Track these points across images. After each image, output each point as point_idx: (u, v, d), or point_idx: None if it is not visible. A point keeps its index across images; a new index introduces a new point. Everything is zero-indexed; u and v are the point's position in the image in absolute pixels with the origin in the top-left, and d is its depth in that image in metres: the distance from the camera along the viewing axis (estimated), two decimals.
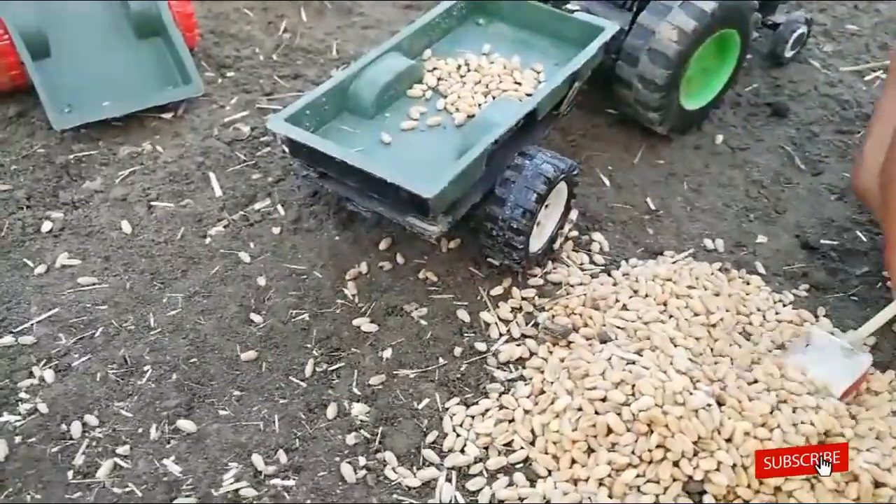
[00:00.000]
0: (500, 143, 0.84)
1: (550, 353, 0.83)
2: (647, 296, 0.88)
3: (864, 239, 1.01)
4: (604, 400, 0.74)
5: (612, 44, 1.00)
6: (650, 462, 0.71)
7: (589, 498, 0.71)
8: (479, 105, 0.94)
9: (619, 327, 0.83)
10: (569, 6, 1.08)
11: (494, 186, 0.86)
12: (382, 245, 0.95)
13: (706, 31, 1.02)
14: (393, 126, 0.92)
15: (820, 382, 0.76)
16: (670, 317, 0.85)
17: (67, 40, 1.11)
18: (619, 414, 0.72)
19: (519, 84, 0.96)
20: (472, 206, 0.88)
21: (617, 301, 0.87)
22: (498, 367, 0.83)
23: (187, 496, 0.72)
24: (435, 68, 1.00)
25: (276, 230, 0.97)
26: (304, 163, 0.88)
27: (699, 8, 1.00)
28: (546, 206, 0.88)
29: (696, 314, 0.86)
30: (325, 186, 0.88)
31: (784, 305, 0.91)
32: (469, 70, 0.99)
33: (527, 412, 0.78)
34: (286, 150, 0.99)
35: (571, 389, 0.76)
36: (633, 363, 0.76)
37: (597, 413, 0.73)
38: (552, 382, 0.79)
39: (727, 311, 0.87)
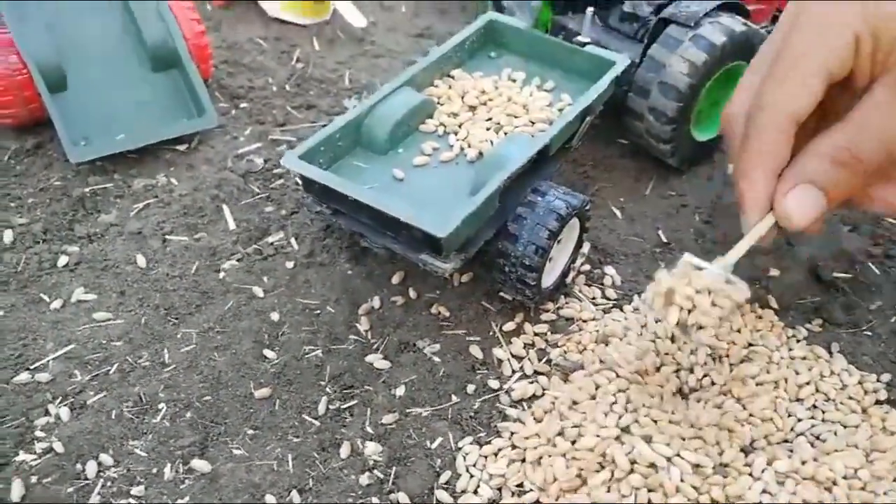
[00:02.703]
0: (512, 179, 0.85)
1: (559, 394, 0.82)
2: (655, 333, 0.87)
3: (878, 272, 1.01)
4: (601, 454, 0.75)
5: (623, 76, 1.01)
6: None
7: None
8: (492, 141, 0.94)
9: (619, 365, 0.83)
10: (579, 38, 1.08)
11: (507, 222, 0.86)
12: (395, 279, 0.96)
13: (717, 64, 1.02)
14: (406, 162, 0.93)
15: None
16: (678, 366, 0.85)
17: (85, 73, 1.13)
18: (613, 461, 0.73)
19: (531, 119, 0.97)
20: (485, 242, 0.88)
21: (626, 337, 0.87)
22: (511, 405, 0.83)
23: None
24: (448, 101, 1.00)
25: (289, 264, 0.98)
26: (317, 199, 0.89)
27: (710, 41, 1.00)
28: (558, 241, 0.89)
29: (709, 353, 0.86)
30: (338, 222, 0.89)
31: (797, 341, 0.90)
32: (481, 104, 1.00)
33: (535, 450, 0.77)
34: (299, 182, 1.00)
35: (570, 435, 0.77)
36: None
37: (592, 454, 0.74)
38: (558, 421, 0.79)
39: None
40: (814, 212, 0.65)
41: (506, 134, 0.95)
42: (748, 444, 0.78)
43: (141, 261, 0.97)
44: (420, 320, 0.92)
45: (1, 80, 1.07)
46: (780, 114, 0.64)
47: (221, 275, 0.96)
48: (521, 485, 0.76)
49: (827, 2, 0.64)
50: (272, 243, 1.01)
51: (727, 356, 0.87)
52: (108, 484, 0.75)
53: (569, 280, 0.96)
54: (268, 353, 0.87)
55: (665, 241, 1.04)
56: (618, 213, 1.07)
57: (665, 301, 0.68)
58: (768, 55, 0.68)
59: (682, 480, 0.72)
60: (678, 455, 0.74)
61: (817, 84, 0.63)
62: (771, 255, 1.03)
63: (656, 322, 0.89)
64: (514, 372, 0.87)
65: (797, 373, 0.85)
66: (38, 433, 0.79)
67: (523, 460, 0.77)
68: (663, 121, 1.04)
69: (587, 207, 0.90)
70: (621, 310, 0.93)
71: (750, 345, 0.88)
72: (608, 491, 0.72)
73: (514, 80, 1.03)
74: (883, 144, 0.63)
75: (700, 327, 0.67)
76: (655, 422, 0.78)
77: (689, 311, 0.68)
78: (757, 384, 0.83)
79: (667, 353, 0.86)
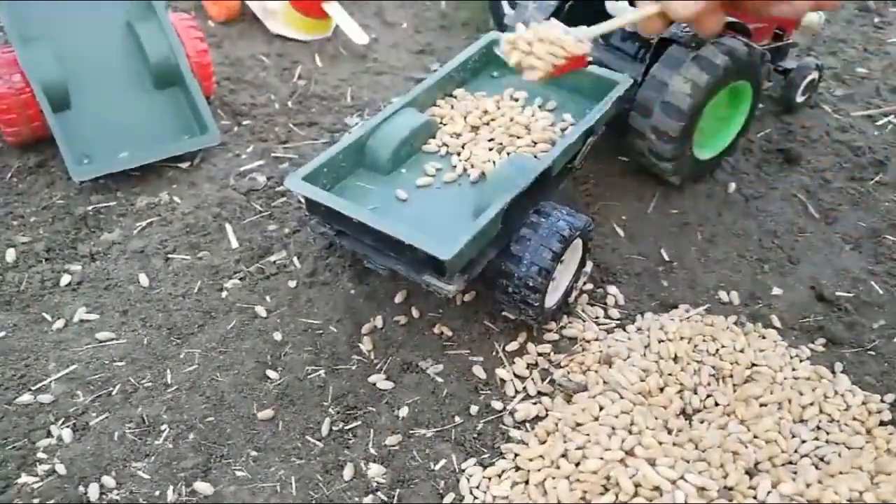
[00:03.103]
0: (514, 200, 0.85)
1: (562, 415, 0.82)
2: (659, 354, 0.87)
3: (880, 291, 1.01)
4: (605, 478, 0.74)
5: (625, 94, 1.01)
6: None
7: None
8: (494, 162, 0.94)
9: (623, 387, 0.83)
10: None
11: (510, 243, 0.86)
12: (398, 298, 0.96)
13: (719, 84, 1.03)
14: (409, 182, 0.93)
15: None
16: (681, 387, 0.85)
17: (88, 92, 1.13)
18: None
19: (534, 140, 0.97)
20: (488, 262, 0.88)
21: (629, 358, 0.87)
22: (514, 427, 0.83)
23: None
24: (450, 121, 1.01)
25: (291, 283, 0.98)
26: (320, 220, 0.89)
27: (711, 61, 1.01)
28: (562, 261, 0.89)
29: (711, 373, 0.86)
30: (341, 243, 0.89)
31: (801, 361, 0.90)
32: (483, 124, 1.00)
33: (539, 472, 0.77)
34: (302, 202, 1.00)
35: (574, 457, 0.76)
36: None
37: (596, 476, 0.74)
38: (562, 443, 0.78)
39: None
40: (698, 4, 0.64)
41: (508, 154, 0.95)
42: (752, 467, 0.77)
43: (143, 280, 0.97)
44: (423, 340, 0.91)
45: (4, 99, 1.08)
46: None
47: (224, 294, 0.96)
48: None
49: None
50: (275, 262, 1.01)
51: (730, 376, 0.87)
52: None
53: (572, 299, 0.96)
54: (271, 373, 0.87)
55: (667, 259, 1.04)
56: (620, 231, 1.07)
57: (510, 48, 0.75)
58: None
59: None
60: (682, 478, 0.74)
61: None
62: (773, 273, 1.03)
63: (659, 342, 0.89)
64: (517, 392, 0.86)
65: (801, 393, 0.85)
66: (41, 455, 0.79)
67: (527, 482, 0.77)
68: (665, 140, 1.04)
69: (590, 228, 0.90)
70: (624, 329, 0.93)
71: (753, 365, 0.88)
72: None
73: (516, 100, 1.03)
74: None
75: (531, 68, 0.74)
76: (660, 444, 0.77)
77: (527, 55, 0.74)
78: (760, 405, 0.83)
79: (670, 374, 0.86)
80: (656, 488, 0.73)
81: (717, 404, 0.84)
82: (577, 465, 0.76)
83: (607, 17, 1.11)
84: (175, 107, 1.18)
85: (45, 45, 1.10)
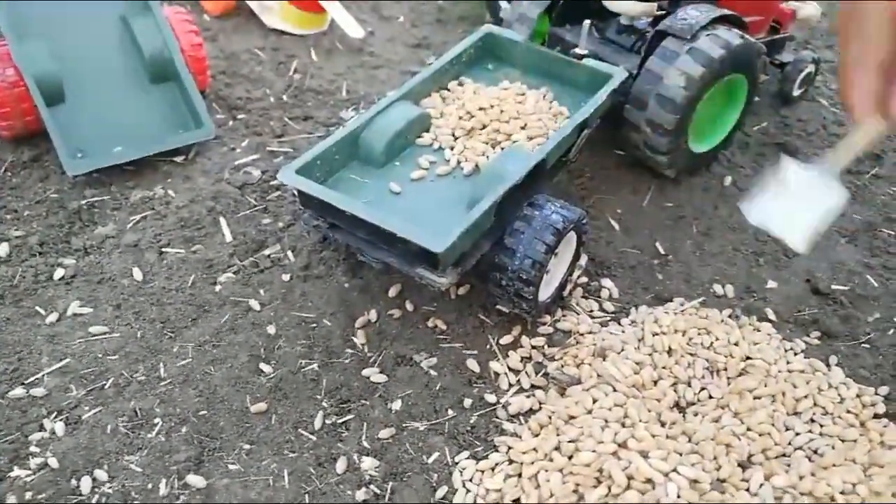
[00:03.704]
0: (508, 193, 0.84)
1: (555, 408, 0.82)
2: (653, 347, 0.87)
3: (875, 284, 1.01)
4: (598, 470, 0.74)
5: (620, 87, 1.01)
6: None
7: None
8: (488, 155, 0.94)
9: (617, 379, 0.83)
10: (577, 51, 1.08)
11: (504, 236, 0.86)
12: (392, 292, 0.95)
13: (714, 77, 1.02)
14: (402, 175, 0.93)
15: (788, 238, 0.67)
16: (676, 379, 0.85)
17: (82, 85, 1.13)
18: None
19: (528, 133, 0.97)
20: (482, 255, 0.88)
21: (623, 351, 0.87)
22: (508, 420, 0.83)
23: None
24: (443, 114, 1.00)
25: (285, 277, 0.97)
26: (314, 213, 0.88)
27: (707, 54, 1.01)
28: (555, 254, 0.89)
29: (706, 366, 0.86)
30: (335, 236, 0.89)
31: (795, 354, 0.90)
32: (478, 117, 1.00)
33: (532, 465, 0.77)
34: (296, 196, 1.00)
35: (567, 450, 0.76)
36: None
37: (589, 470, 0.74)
38: (555, 436, 0.78)
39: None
40: None
41: (502, 147, 0.95)
42: (745, 459, 0.77)
43: (137, 274, 0.97)
44: (416, 333, 0.91)
45: None
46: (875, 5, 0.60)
47: (218, 288, 0.96)
48: (517, 500, 0.75)
49: None
50: (269, 256, 1.00)
51: (725, 369, 0.87)
52: (103, 500, 0.75)
53: (566, 293, 0.96)
54: (264, 366, 0.87)
55: (662, 252, 1.04)
56: (615, 224, 1.07)
57: None
58: None
59: (679, 496, 0.71)
60: (675, 470, 0.73)
61: None
62: (768, 266, 1.03)
63: (653, 335, 0.89)
64: (510, 386, 0.86)
65: (795, 386, 0.85)
66: (33, 448, 0.79)
67: (520, 475, 0.77)
68: (660, 133, 1.04)
69: (584, 221, 0.90)
70: (619, 323, 0.93)
71: (747, 358, 0.88)
72: None
73: (511, 93, 1.03)
74: None
75: None
76: (653, 436, 0.77)
77: None
78: (755, 398, 0.83)
79: (664, 367, 0.85)
80: (649, 480, 0.72)
81: (710, 397, 0.84)
82: (570, 457, 0.76)
83: (603, 13, 1.12)
84: (170, 101, 1.18)
85: (39, 39, 1.10)
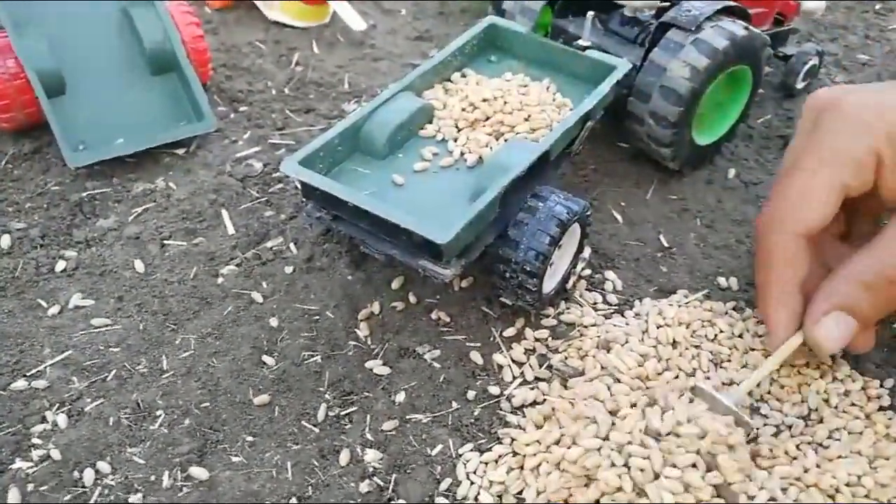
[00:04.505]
0: (512, 184, 0.84)
1: (559, 400, 0.82)
2: (657, 339, 0.87)
3: None
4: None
5: (624, 79, 1.00)
6: None
7: None
8: (491, 146, 0.94)
9: (621, 372, 0.82)
10: (580, 42, 1.08)
11: (507, 228, 0.85)
12: (395, 284, 0.95)
13: (718, 69, 1.02)
14: (405, 167, 0.92)
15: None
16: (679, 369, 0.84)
17: (83, 77, 1.12)
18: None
19: (531, 125, 0.96)
20: (485, 247, 0.87)
21: (627, 343, 0.87)
22: (511, 412, 0.83)
23: None
24: (446, 106, 1.00)
25: (288, 269, 0.97)
26: (316, 205, 0.88)
27: (711, 45, 1.00)
28: (559, 246, 0.88)
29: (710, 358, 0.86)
30: (338, 228, 0.88)
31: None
32: (481, 108, 0.99)
33: (534, 457, 0.77)
34: (298, 187, 0.99)
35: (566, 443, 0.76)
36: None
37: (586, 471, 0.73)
38: (559, 428, 0.78)
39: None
40: (845, 338, 0.65)
41: (506, 139, 0.95)
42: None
43: (139, 266, 0.97)
44: (420, 326, 0.91)
45: None
46: (789, 231, 0.63)
47: (220, 280, 0.96)
48: (521, 492, 0.75)
49: (844, 114, 0.62)
50: (271, 248, 1.00)
51: (729, 361, 0.86)
52: (106, 492, 0.75)
53: (569, 285, 0.95)
54: (267, 359, 0.87)
55: (666, 245, 1.03)
56: (619, 217, 1.07)
57: None
58: (787, 163, 0.67)
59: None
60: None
61: (829, 199, 0.62)
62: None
63: (658, 327, 0.88)
64: (514, 378, 0.86)
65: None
66: (35, 440, 0.78)
67: (522, 468, 0.77)
68: (664, 125, 1.03)
69: (588, 213, 0.90)
70: (622, 315, 0.93)
71: (752, 350, 0.88)
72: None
73: (514, 85, 1.02)
74: None
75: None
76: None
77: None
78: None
79: (668, 359, 0.85)
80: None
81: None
82: (570, 449, 0.75)
83: (606, 4, 1.11)
84: (171, 93, 1.18)
85: (40, 31, 1.10)
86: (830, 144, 0.62)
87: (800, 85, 1.29)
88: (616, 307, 0.94)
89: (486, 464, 0.78)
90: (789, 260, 0.64)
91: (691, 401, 0.76)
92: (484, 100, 0.99)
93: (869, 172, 0.61)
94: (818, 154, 0.62)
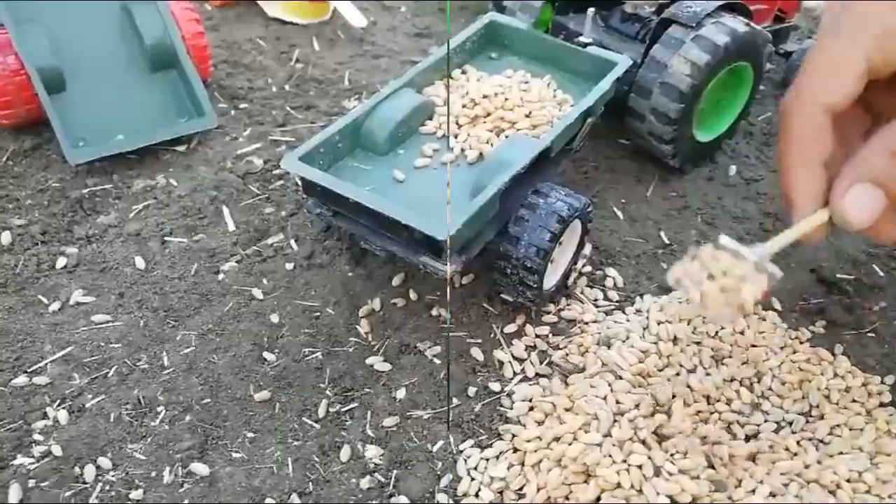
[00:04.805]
0: (513, 181, 0.84)
1: (558, 397, 0.82)
2: (658, 335, 0.87)
3: (881, 273, 1.00)
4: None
5: (625, 76, 1.00)
6: None
7: None
8: (492, 143, 0.93)
9: (622, 368, 0.82)
10: (581, 39, 1.08)
11: (508, 224, 0.85)
12: (395, 281, 0.95)
13: (719, 65, 1.02)
14: (406, 163, 0.92)
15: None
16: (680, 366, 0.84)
17: (83, 74, 1.12)
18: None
19: (532, 121, 0.96)
20: (486, 243, 0.87)
21: (627, 339, 0.87)
22: (512, 408, 0.83)
23: None
24: (446, 103, 1.00)
25: (289, 266, 0.97)
26: (317, 201, 0.88)
27: (712, 42, 1.00)
28: (560, 243, 0.88)
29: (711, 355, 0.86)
30: (338, 224, 0.88)
31: (801, 343, 0.90)
32: (482, 105, 0.99)
33: (535, 453, 0.77)
34: (299, 184, 0.99)
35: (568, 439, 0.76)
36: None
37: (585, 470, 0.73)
38: (558, 424, 0.78)
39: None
40: (873, 211, 0.62)
41: (506, 136, 0.95)
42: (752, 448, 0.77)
43: (140, 262, 0.97)
44: (421, 322, 0.91)
45: None
46: (814, 104, 0.61)
47: (221, 276, 0.96)
48: (521, 488, 0.75)
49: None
50: (272, 245, 1.00)
51: (730, 358, 0.86)
52: (107, 488, 0.75)
53: (570, 282, 0.95)
54: (267, 355, 0.87)
55: (667, 242, 1.03)
56: (619, 214, 1.06)
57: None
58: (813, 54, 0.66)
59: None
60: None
61: (853, 74, 0.60)
62: (773, 257, 1.02)
63: (658, 323, 0.88)
64: (515, 374, 0.86)
65: (801, 369, 0.84)
66: (36, 436, 0.78)
67: (523, 464, 0.77)
68: (664, 121, 1.03)
69: (589, 209, 0.90)
70: (623, 311, 0.93)
71: (753, 346, 0.88)
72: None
73: (515, 81, 1.02)
74: None
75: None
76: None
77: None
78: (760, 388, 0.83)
79: (669, 355, 0.85)
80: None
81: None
82: (570, 445, 0.75)
83: (606, 1, 1.11)
84: (171, 90, 1.18)
85: (40, 27, 1.10)
86: (854, 24, 0.61)
87: None
88: (617, 304, 0.94)
89: (487, 460, 0.78)
90: (814, 134, 0.62)
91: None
92: (485, 96, 0.99)
93: (892, 52, 0.60)
94: (842, 32, 0.61)
